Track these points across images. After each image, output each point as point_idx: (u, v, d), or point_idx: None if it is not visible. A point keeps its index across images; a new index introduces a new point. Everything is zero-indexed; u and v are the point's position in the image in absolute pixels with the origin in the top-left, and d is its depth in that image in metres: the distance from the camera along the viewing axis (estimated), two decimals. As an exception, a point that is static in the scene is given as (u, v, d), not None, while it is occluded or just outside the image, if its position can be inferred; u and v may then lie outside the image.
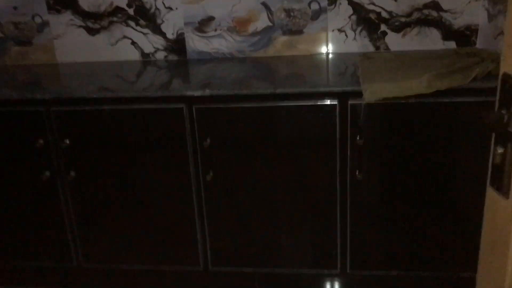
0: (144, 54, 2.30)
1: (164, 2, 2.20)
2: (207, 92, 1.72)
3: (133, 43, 2.28)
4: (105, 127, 1.83)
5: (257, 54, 2.23)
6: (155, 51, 2.29)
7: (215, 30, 2.21)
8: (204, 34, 2.23)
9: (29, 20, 2.31)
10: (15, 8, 2.31)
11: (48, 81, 2.13)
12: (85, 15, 2.27)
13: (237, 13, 2.18)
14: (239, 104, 1.73)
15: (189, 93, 1.74)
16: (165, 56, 2.29)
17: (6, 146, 1.90)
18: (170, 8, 2.20)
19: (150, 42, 2.27)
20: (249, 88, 1.73)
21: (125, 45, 2.29)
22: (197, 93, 1.73)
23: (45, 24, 2.31)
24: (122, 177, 1.89)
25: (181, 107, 1.76)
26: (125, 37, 2.28)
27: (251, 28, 2.20)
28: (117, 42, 2.29)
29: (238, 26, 2.20)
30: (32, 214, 1.99)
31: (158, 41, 2.27)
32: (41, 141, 1.86)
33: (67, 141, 1.85)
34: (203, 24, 2.21)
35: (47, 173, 1.90)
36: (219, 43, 2.23)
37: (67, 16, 2.28)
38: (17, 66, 2.37)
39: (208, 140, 1.78)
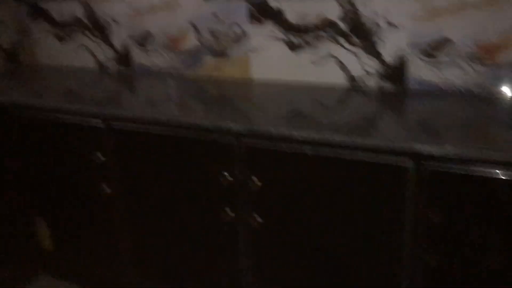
0: (351, 78, 1.91)
1: (387, 16, 1.77)
2: (449, 150, 1.26)
3: (340, 63, 1.91)
4: (304, 172, 1.49)
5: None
6: (366, 76, 1.88)
7: (449, 55, 1.72)
8: (433, 60, 1.75)
9: (227, 29, 2.10)
10: (214, 15, 2.11)
11: (240, 105, 1.86)
12: (289, 28, 1.96)
13: (482, 36, 1.65)
14: (477, 168, 1.24)
15: (419, 147, 1.30)
16: (378, 84, 1.87)
17: (187, 176, 1.69)
18: (393, 25, 1.77)
19: (361, 65, 1.87)
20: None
21: (330, 65, 1.93)
22: (432, 149, 1.28)
23: (243, 35, 2.07)
24: (311, 232, 1.54)
25: (405, 166, 1.32)
26: (331, 55, 1.92)
27: (504, 56, 1.65)
28: (321, 61, 1.94)
29: (484, 52, 1.67)
30: (208, 259, 1.77)
31: (372, 64, 1.85)
32: (228, 177, 1.61)
33: (257, 181, 1.57)
34: (434, 47, 1.73)
35: (230, 214, 1.64)
36: (452, 73, 1.73)
37: (268, 27, 2.00)
38: (208, 78, 2.18)
39: (437, 212, 1.32)
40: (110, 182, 1.88)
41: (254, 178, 1.56)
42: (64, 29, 2.53)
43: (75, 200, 2.02)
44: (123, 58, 2.42)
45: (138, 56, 2.37)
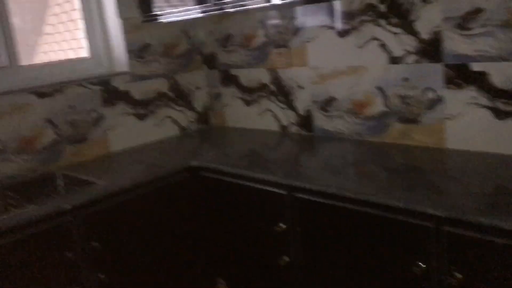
0: None
1: None
2: None
3: None
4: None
5: None
6: None
7: None
8: None
9: (419, 94, 1.93)
10: (405, 79, 1.97)
11: (433, 179, 1.65)
12: (495, 93, 1.72)
13: None
14: None
15: None
16: None
17: (374, 257, 1.54)
18: None
19: None
20: None
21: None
22: None
23: (438, 100, 1.88)
24: None
25: None
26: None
27: None
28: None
29: None
30: None
31: None
32: (422, 267, 1.41)
33: (457, 275, 1.34)
34: None
35: (423, 309, 1.43)
36: None
37: (468, 92, 1.79)
38: (395, 146, 2.02)
39: None
40: (289, 251, 1.82)
41: (454, 272, 1.34)
42: (251, 94, 2.64)
43: (254, 265, 2.01)
44: (306, 122, 2.41)
45: (320, 121, 2.34)
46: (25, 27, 2.80)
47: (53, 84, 2.28)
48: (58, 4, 3.05)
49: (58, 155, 2.31)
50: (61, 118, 2.31)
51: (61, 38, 2.78)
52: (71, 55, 2.68)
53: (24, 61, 2.35)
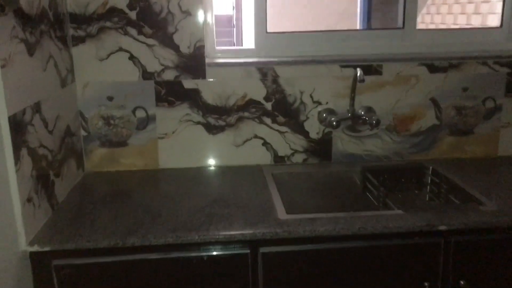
0: None
1: None
2: None
3: None
4: None
5: None
6: None
7: None
8: None
9: None
10: None
11: None
12: None
13: None
14: None
15: None
16: None
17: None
18: None
19: None
20: None
21: None
22: None
23: None
24: None
25: None
26: None
27: None
28: None
29: None
30: None
31: None
32: None
33: None
34: None
35: None
36: None
37: None
38: None
39: None
40: None
41: None
42: None
43: None
44: None
45: None
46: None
47: (450, 58, 1.83)
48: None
49: (432, 144, 1.89)
50: (449, 100, 1.86)
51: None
52: (474, 21, 2.14)
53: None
